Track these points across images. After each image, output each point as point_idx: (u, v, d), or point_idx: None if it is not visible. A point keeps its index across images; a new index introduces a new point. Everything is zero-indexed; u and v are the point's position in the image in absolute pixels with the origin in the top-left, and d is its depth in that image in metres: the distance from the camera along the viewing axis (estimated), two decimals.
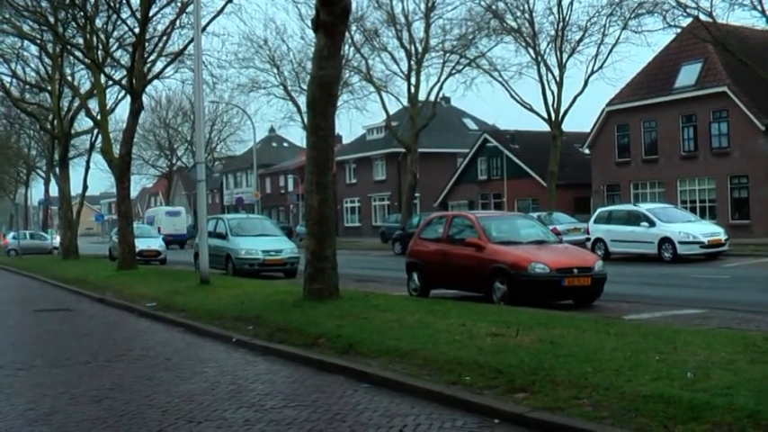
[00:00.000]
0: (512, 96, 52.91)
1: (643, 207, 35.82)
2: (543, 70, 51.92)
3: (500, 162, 64.83)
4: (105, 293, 25.43)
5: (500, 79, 53.62)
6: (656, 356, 9.97)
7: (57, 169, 52.63)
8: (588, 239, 35.61)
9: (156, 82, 40.94)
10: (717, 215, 46.09)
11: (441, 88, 56.74)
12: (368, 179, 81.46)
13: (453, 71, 55.09)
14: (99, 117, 38.99)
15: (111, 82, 39.32)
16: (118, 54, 39.05)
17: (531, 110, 52.49)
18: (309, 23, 19.79)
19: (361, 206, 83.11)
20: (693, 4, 41.44)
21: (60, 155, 49.15)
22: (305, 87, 48.54)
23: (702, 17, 41.42)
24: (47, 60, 46.37)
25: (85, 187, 55.77)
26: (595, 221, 36.46)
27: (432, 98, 56.87)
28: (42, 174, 74.25)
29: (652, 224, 33.06)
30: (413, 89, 55.72)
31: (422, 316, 14.57)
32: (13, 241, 66.54)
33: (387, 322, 14.04)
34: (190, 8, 31.08)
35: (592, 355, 10.17)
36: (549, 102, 51.81)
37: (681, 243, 32.01)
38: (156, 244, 45.07)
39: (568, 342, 11.27)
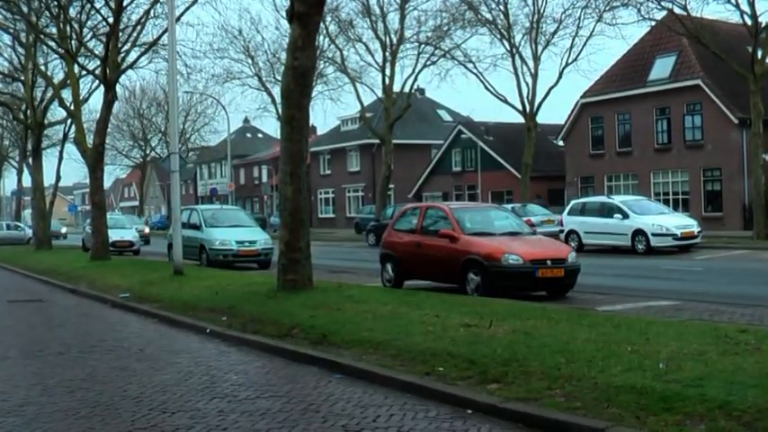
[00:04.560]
0: (486, 88, 53.12)
1: (617, 199, 35.97)
2: (518, 62, 52.15)
3: (474, 154, 64.86)
4: (78, 284, 25.31)
5: (475, 71, 53.85)
6: (629, 347, 10.02)
7: (30, 159, 52.30)
8: (562, 231, 35.70)
9: (129, 72, 40.95)
10: (690, 207, 46.33)
11: (415, 80, 56.92)
12: (342, 170, 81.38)
13: (428, 62, 55.25)
14: (72, 107, 38.77)
15: (84, 72, 39.03)
16: (92, 44, 38.77)
17: (506, 102, 52.65)
18: (284, 14, 19.81)
19: (336, 197, 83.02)
20: None
21: (33, 145, 48.84)
22: (279, 78, 48.47)
23: (677, 10, 41.57)
24: (20, 50, 46.07)
25: (59, 177, 55.56)
26: (569, 213, 36.58)
27: (406, 89, 57.00)
28: (15, 164, 73.80)
29: (625, 216, 33.20)
30: (387, 80, 55.78)
31: (395, 307, 14.59)
32: None
33: (360, 313, 14.06)
34: None
35: (565, 346, 10.21)
36: (524, 94, 52.01)
37: (654, 235, 32.18)
38: (130, 235, 44.83)
39: (541, 333, 11.32)
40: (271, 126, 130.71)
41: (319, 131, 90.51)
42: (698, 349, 9.75)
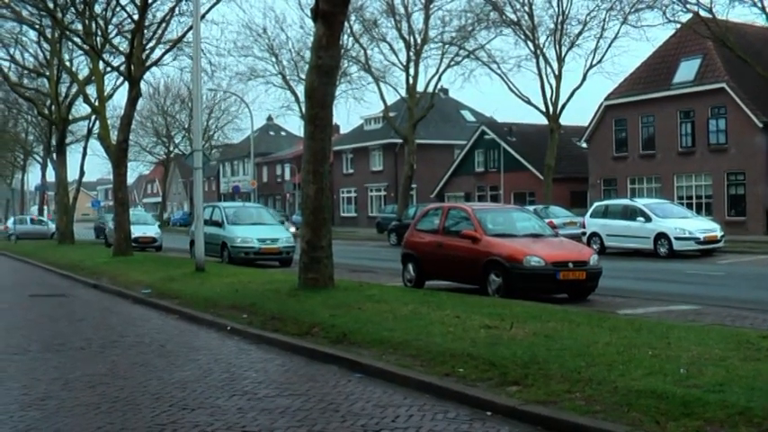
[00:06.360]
0: (510, 89, 53.07)
1: (639, 202, 35.84)
2: (542, 63, 52.06)
3: (497, 154, 64.73)
4: (100, 279, 25.45)
5: (499, 72, 53.81)
6: (650, 351, 9.98)
7: (54, 155, 52.63)
8: (584, 233, 35.58)
9: (154, 69, 40.97)
10: (713, 211, 46.12)
11: (439, 80, 56.93)
12: (365, 169, 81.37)
13: (452, 63, 55.26)
14: (97, 103, 38.96)
15: (109, 68, 39.21)
16: (117, 41, 38.94)
17: (530, 103, 52.51)
18: (309, 12, 19.79)
19: (358, 196, 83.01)
20: (693, 0, 41.46)
21: (58, 140, 49.12)
22: (303, 77, 48.60)
23: (702, 13, 41.45)
24: (45, 46, 46.32)
25: (82, 173, 55.78)
26: (592, 216, 36.45)
27: (430, 89, 56.97)
28: (39, 159, 74.18)
29: (648, 219, 33.06)
30: (411, 80, 55.81)
31: (416, 307, 14.57)
32: (12, 226, 66.64)
33: (381, 313, 14.05)
34: None
35: (585, 350, 10.18)
36: (548, 95, 51.88)
37: (676, 239, 32.01)
38: (153, 231, 45.01)
39: (562, 336, 11.28)
40: (294, 124, 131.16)
41: (342, 130, 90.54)
42: (719, 354, 9.70)
